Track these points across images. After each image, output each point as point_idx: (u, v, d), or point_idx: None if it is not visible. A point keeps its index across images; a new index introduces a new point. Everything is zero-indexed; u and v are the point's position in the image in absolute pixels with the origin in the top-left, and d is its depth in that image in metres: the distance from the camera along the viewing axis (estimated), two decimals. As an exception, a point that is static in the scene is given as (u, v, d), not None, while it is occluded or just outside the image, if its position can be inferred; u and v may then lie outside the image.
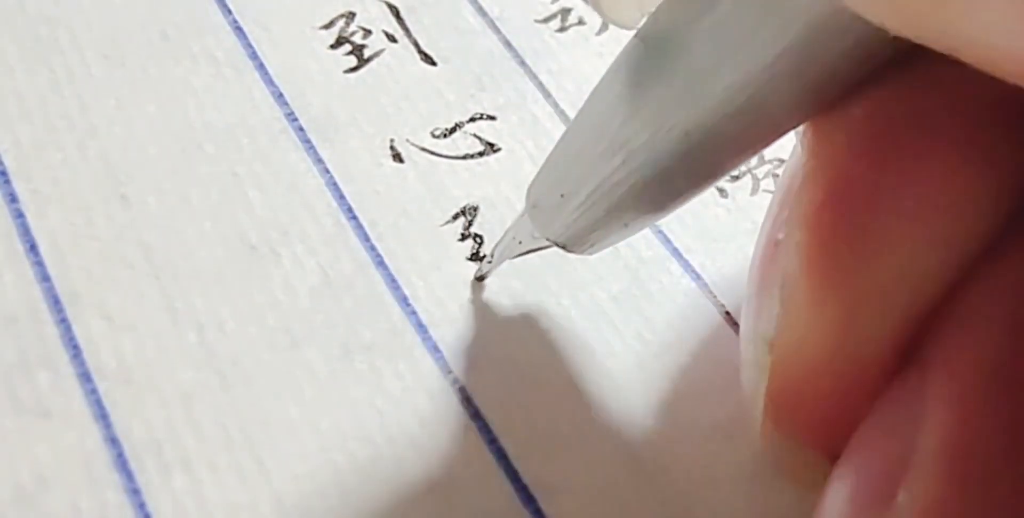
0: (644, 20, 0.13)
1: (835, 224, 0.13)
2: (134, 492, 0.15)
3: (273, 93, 0.19)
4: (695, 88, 0.13)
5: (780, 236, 0.13)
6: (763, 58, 0.12)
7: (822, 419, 0.14)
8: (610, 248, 0.16)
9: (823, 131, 0.13)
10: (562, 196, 0.15)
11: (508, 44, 0.21)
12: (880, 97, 0.13)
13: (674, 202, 0.14)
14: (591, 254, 0.16)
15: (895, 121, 0.13)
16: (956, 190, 0.13)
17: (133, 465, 0.15)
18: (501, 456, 0.16)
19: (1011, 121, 0.13)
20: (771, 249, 0.14)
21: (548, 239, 0.16)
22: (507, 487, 0.16)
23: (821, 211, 0.13)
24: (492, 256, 0.17)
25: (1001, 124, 0.13)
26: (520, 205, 0.18)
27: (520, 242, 0.16)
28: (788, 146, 0.19)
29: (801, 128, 0.14)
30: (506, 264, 0.17)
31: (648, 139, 0.13)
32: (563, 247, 0.16)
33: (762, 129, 0.13)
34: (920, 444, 0.12)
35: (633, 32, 0.14)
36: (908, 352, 0.13)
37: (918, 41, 0.10)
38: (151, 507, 0.15)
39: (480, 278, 0.18)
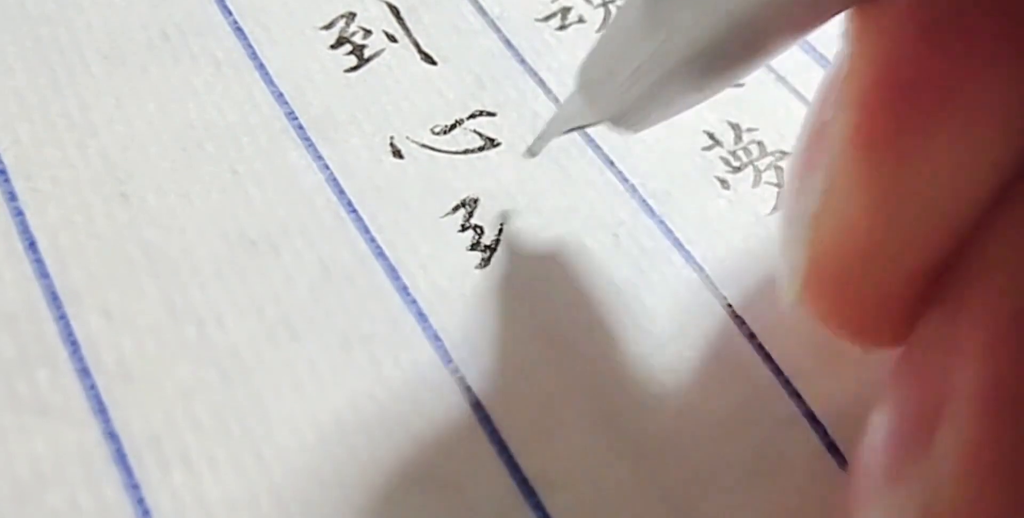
0: None
1: (886, 103, 0.13)
2: (133, 488, 0.15)
3: (273, 93, 0.19)
4: None
5: (827, 117, 0.14)
6: None
7: (857, 302, 0.14)
8: (612, 237, 0.16)
9: (870, 16, 0.13)
10: (609, 72, 0.15)
11: (508, 43, 0.20)
12: None
13: (715, 81, 0.15)
14: (636, 131, 0.16)
15: (943, 9, 0.13)
16: (1002, 82, 0.13)
17: (132, 461, 0.15)
18: (502, 448, 0.16)
19: None
20: (817, 131, 0.14)
21: (597, 114, 0.16)
22: (507, 479, 0.16)
23: (873, 90, 0.13)
24: (542, 132, 0.18)
25: None
26: (521, 197, 0.18)
27: (568, 119, 0.17)
28: (791, 138, 0.19)
29: (845, 18, 0.14)
30: (507, 256, 0.17)
31: (691, 16, 0.13)
32: (611, 123, 0.16)
33: (804, 10, 0.13)
34: (955, 386, 0.12)
35: None
36: (942, 277, 0.13)
37: None
38: (150, 502, 0.15)
39: (531, 153, 0.18)
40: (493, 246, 0.18)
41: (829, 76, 0.15)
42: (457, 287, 0.17)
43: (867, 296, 0.14)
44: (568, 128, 0.17)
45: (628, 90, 0.15)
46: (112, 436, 0.15)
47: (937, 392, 0.13)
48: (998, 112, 0.13)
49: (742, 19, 0.13)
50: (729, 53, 0.14)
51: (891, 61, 0.13)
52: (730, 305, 0.18)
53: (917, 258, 0.14)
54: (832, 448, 0.17)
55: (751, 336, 0.18)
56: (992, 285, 0.13)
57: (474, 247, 0.18)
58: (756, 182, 0.19)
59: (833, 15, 0.13)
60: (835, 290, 0.14)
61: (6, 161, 0.18)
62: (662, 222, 0.18)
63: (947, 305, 0.13)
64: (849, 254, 0.14)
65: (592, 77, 0.16)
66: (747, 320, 0.18)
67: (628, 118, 0.16)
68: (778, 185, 0.19)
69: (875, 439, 0.13)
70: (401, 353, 0.16)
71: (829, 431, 0.17)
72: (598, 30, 0.21)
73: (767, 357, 0.17)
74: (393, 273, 0.17)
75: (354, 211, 0.18)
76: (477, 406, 0.16)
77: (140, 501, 0.15)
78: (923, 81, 0.13)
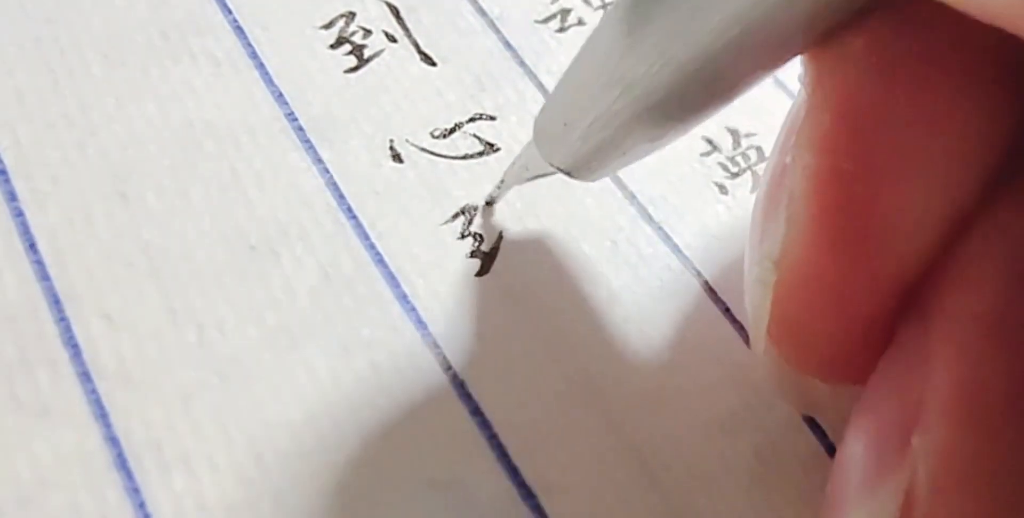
0: None
1: (843, 146, 0.13)
2: (134, 491, 0.15)
3: (273, 93, 0.19)
4: (690, 22, 0.13)
5: (788, 159, 0.14)
6: None
7: (822, 341, 0.14)
8: (610, 244, 0.16)
9: (825, 63, 0.13)
10: (565, 125, 0.15)
11: (508, 44, 0.21)
12: (881, 29, 0.13)
13: (670, 132, 0.15)
14: (593, 180, 0.16)
15: (897, 52, 0.13)
16: (959, 120, 0.13)
17: (132, 464, 0.15)
18: (501, 453, 0.16)
19: (1009, 58, 0.13)
20: (778, 173, 0.14)
21: (552, 165, 0.16)
22: (507, 483, 0.16)
23: (829, 133, 0.13)
24: (501, 182, 0.18)
25: (999, 61, 0.13)
26: (520, 204, 0.18)
27: (527, 168, 0.17)
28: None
29: (801, 61, 0.14)
30: (506, 263, 0.17)
31: (645, 71, 0.14)
32: (567, 173, 0.16)
33: (755, 61, 0.13)
34: (930, 391, 0.13)
35: None
36: (913, 294, 0.14)
37: None
38: (150, 506, 0.15)
39: (489, 203, 0.18)
40: (492, 254, 0.18)
41: (789, 118, 0.15)
42: (456, 294, 0.17)
43: (833, 337, 0.14)
44: (526, 178, 0.17)
45: (585, 142, 0.15)
46: (113, 440, 0.15)
47: (911, 402, 0.13)
48: (954, 149, 0.13)
49: (696, 69, 0.13)
50: (686, 102, 0.14)
51: (846, 104, 0.13)
52: (728, 310, 0.18)
53: (881, 295, 0.14)
54: (831, 450, 0.17)
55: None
56: (963, 297, 0.13)
57: (473, 254, 0.18)
58: (755, 187, 0.19)
59: (789, 58, 0.13)
60: (800, 334, 0.14)
61: (6, 161, 0.18)
62: (660, 228, 0.18)
63: (919, 318, 0.13)
64: (813, 299, 0.14)
65: (547, 129, 0.16)
66: (746, 327, 0.18)
67: (584, 169, 0.16)
68: (776, 191, 0.19)
69: (852, 448, 0.14)
70: (400, 359, 0.17)
71: (828, 434, 0.17)
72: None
73: (765, 361, 0.17)
74: (393, 280, 0.17)
75: (354, 217, 0.18)
76: (476, 411, 0.16)
77: (141, 505, 0.15)
78: (877, 124, 0.13)
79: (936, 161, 0.13)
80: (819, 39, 0.13)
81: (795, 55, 0.13)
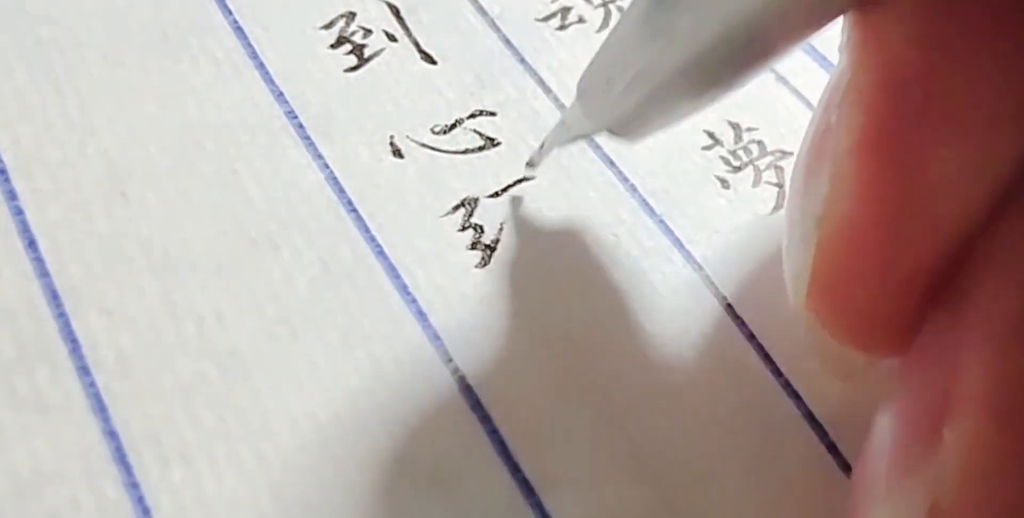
0: None
1: (888, 106, 0.13)
2: (133, 486, 0.15)
3: (273, 92, 0.19)
4: None
5: (832, 118, 0.14)
6: None
7: (863, 304, 0.14)
8: (612, 237, 0.16)
9: (872, 20, 0.13)
10: (608, 81, 0.15)
11: (508, 43, 0.21)
12: None
13: (713, 88, 0.14)
14: (635, 140, 0.16)
15: (945, 13, 0.13)
16: (1007, 85, 0.13)
17: (132, 459, 0.15)
18: (501, 447, 0.16)
19: None
20: (821, 135, 0.14)
21: (595, 124, 0.16)
22: (507, 478, 0.16)
23: (875, 94, 0.13)
24: (543, 143, 0.18)
25: None
26: (522, 196, 0.18)
27: (569, 129, 0.17)
28: (791, 138, 0.19)
29: (845, 21, 0.14)
30: (507, 256, 0.17)
31: (689, 23, 0.13)
32: (610, 131, 0.16)
33: (802, 15, 0.13)
34: (962, 384, 0.12)
35: None
36: (946, 277, 0.13)
37: None
38: (150, 501, 0.15)
39: (530, 164, 0.18)
40: (493, 245, 0.18)
41: (833, 79, 0.15)
42: (457, 286, 0.17)
43: (871, 302, 0.14)
44: (568, 138, 0.17)
45: (627, 98, 0.15)
46: (112, 434, 0.15)
47: (942, 395, 0.13)
48: (1002, 114, 0.13)
49: (740, 24, 0.13)
50: (727, 59, 0.14)
51: (893, 64, 0.13)
52: (730, 305, 0.18)
53: (921, 262, 0.14)
54: (831, 448, 0.17)
55: (751, 336, 0.18)
56: (997, 288, 0.13)
57: (474, 246, 0.18)
58: (756, 181, 0.19)
59: (833, 18, 0.13)
60: (839, 295, 0.14)
61: (6, 160, 0.18)
62: (662, 221, 0.18)
63: (952, 309, 0.13)
64: (854, 258, 0.14)
65: (590, 86, 0.16)
66: (747, 320, 0.18)
67: (627, 127, 0.16)
68: (778, 185, 0.19)
69: (880, 441, 0.14)
70: (401, 352, 0.16)
71: (828, 431, 0.17)
72: (598, 30, 0.21)
73: (767, 357, 0.17)
74: (393, 272, 0.17)
75: (354, 210, 0.18)
76: (477, 405, 0.16)
77: (140, 499, 0.15)
78: (926, 84, 0.13)
79: (982, 124, 0.13)
80: None
81: (840, 12, 0.13)
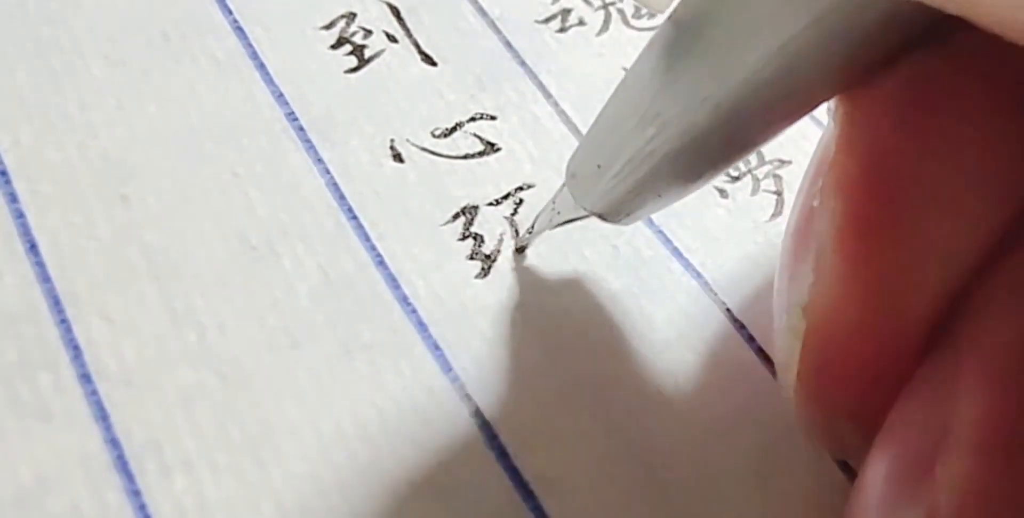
0: (674, 4, 0.14)
1: (870, 193, 0.13)
2: (134, 493, 0.15)
3: (273, 93, 0.19)
4: (725, 62, 0.13)
5: (815, 204, 0.14)
6: (790, 31, 0.12)
7: (853, 387, 0.14)
8: (611, 248, 0.16)
9: (856, 103, 0.13)
10: (599, 166, 0.15)
11: (508, 45, 0.21)
12: (912, 71, 0.13)
13: (705, 173, 0.15)
14: (627, 224, 0.16)
15: (928, 95, 0.13)
16: (990, 163, 0.13)
17: (133, 466, 0.15)
18: (501, 453, 0.16)
19: None
20: (805, 218, 0.14)
21: (585, 208, 0.16)
22: (507, 484, 0.16)
23: (856, 180, 0.13)
24: (533, 226, 0.18)
25: None
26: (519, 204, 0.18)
27: (559, 212, 0.17)
28: (790, 146, 0.19)
29: (832, 103, 0.14)
30: (505, 266, 0.17)
31: (680, 110, 0.13)
32: (600, 216, 0.16)
33: (791, 102, 0.13)
34: (956, 421, 0.12)
35: (665, 15, 0.14)
36: (940, 327, 0.13)
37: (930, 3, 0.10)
38: (151, 508, 0.15)
39: (520, 249, 0.18)
40: (493, 256, 0.18)
41: (816, 158, 0.14)
42: (457, 296, 0.17)
43: (862, 383, 0.14)
44: (558, 222, 0.17)
45: (617, 184, 0.15)
46: (113, 441, 0.15)
47: (935, 432, 0.13)
48: (983, 192, 0.13)
49: (730, 109, 0.13)
50: (717, 146, 0.14)
51: (873, 150, 0.13)
52: (729, 310, 0.18)
53: (910, 339, 0.14)
54: (831, 450, 0.17)
55: (750, 340, 0.18)
56: (989, 329, 0.13)
57: (474, 256, 0.18)
58: (755, 190, 0.19)
59: (819, 103, 0.13)
60: (829, 381, 0.14)
61: (7, 163, 0.18)
62: (660, 231, 0.18)
63: (944, 349, 0.13)
64: (841, 347, 0.14)
65: (580, 171, 0.16)
66: (746, 325, 0.18)
67: (617, 212, 0.16)
68: (777, 193, 0.19)
69: (872, 477, 0.14)
70: (401, 361, 0.17)
71: (827, 434, 0.17)
72: (598, 33, 0.21)
73: (766, 361, 0.17)
74: (393, 282, 0.17)
75: (355, 217, 0.18)
76: (477, 413, 0.16)
77: (141, 507, 0.15)
78: (908, 171, 0.13)
79: (965, 204, 0.13)
80: (852, 80, 0.13)
81: (829, 97, 0.13)
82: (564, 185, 0.16)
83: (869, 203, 0.13)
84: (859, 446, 0.14)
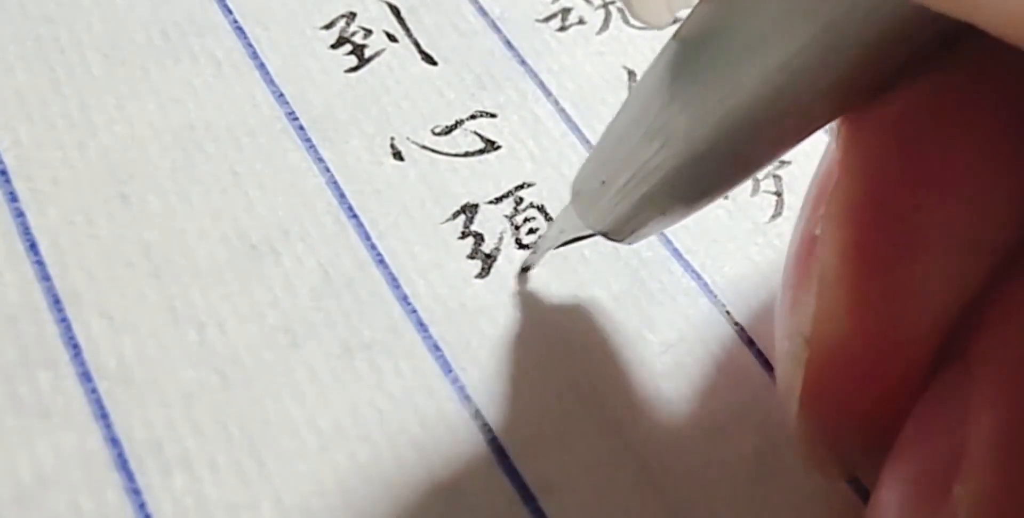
0: (680, 22, 0.14)
1: (873, 221, 0.13)
2: (134, 492, 0.15)
3: (274, 93, 0.19)
4: (729, 78, 0.13)
5: (817, 231, 0.14)
6: (794, 47, 0.12)
7: (857, 414, 0.14)
8: (611, 249, 0.16)
9: (859, 127, 0.13)
10: (603, 183, 0.15)
11: (509, 44, 0.21)
12: (915, 94, 0.13)
13: (709, 191, 0.15)
14: (631, 243, 0.16)
15: (932, 119, 0.13)
16: (996, 187, 0.13)
17: (133, 465, 0.15)
18: (501, 455, 0.16)
19: None
20: (806, 245, 0.14)
21: (590, 227, 0.16)
22: (507, 485, 0.16)
23: (859, 208, 0.13)
24: (537, 246, 0.18)
25: None
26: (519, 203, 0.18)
27: (563, 231, 0.17)
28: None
29: (834, 125, 0.14)
30: (507, 264, 0.17)
31: (685, 125, 0.13)
32: (605, 235, 0.16)
33: (795, 119, 0.13)
34: (971, 439, 0.12)
35: (662, 30, 0.14)
36: (947, 348, 0.13)
37: (936, 8, 0.10)
38: (151, 507, 0.15)
39: (525, 269, 0.18)
40: (493, 255, 0.18)
41: (817, 182, 0.14)
42: (457, 296, 0.17)
43: (866, 409, 0.14)
44: (563, 241, 0.17)
45: (622, 200, 0.15)
46: (113, 440, 0.15)
47: (951, 450, 0.13)
48: (989, 215, 0.13)
49: (734, 125, 0.13)
50: (722, 161, 0.14)
51: (875, 177, 0.13)
52: (728, 312, 0.18)
53: (915, 365, 0.14)
54: (830, 451, 0.17)
55: (750, 342, 0.18)
56: (1002, 346, 0.13)
57: (474, 255, 0.18)
58: (755, 191, 0.19)
59: (823, 124, 0.13)
60: (832, 407, 0.14)
61: (7, 162, 0.18)
62: (661, 233, 0.18)
63: (956, 367, 0.13)
64: (844, 376, 0.14)
65: (585, 189, 0.16)
66: (746, 327, 0.18)
67: (622, 230, 0.16)
68: (776, 193, 0.19)
69: (888, 496, 0.13)
70: (401, 361, 0.17)
71: (826, 436, 0.17)
72: (598, 32, 0.21)
73: (765, 363, 0.17)
74: (393, 281, 0.17)
75: (355, 216, 0.18)
76: (477, 414, 0.16)
77: (141, 506, 0.15)
78: (907, 196, 0.13)
79: (974, 229, 0.13)
80: (857, 99, 0.13)
81: (834, 117, 0.13)
82: (568, 204, 0.16)
83: (873, 231, 0.13)
84: (862, 468, 0.14)
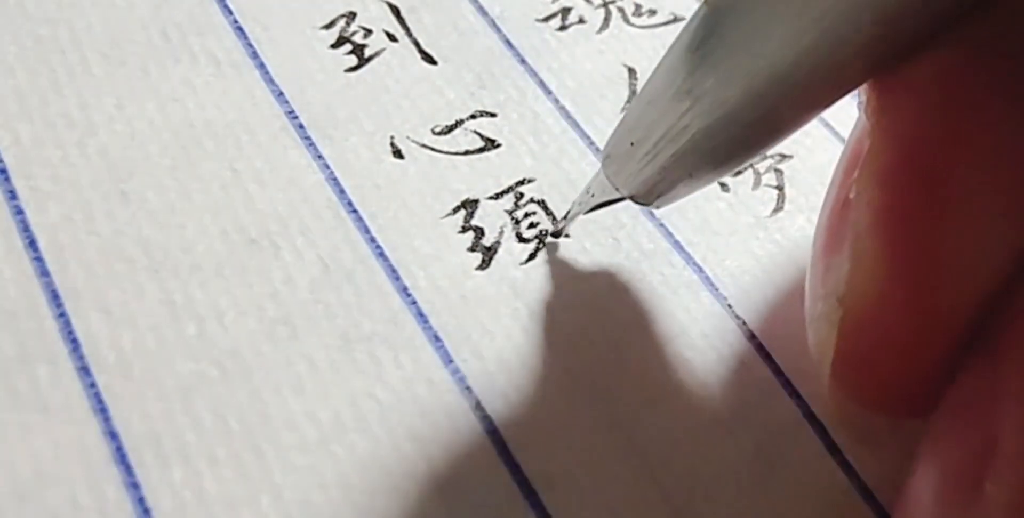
0: None
1: (907, 182, 0.13)
2: (133, 486, 0.15)
3: (274, 92, 0.19)
4: (759, 38, 0.13)
5: (851, 194, 0.14)
6: (825, 5, 0.12)
7: (888, 378, 0.14)
8: (612, 241, 0.16)
9: (892, 90, 0.13)
10: (632, 144, 0.15)
11: (508, 43, 0.21)
12: (947, 58, 0.13)
13: (736, 154, 0.15)
14: (659, 207, 0.16)
15: (965, 82, 0.13)
16: None
17: (132, 459, 0.15)
18: (502, 447, 0.16)
19: None
20: (839, 209, 0.14)
21: (619, 189, 0.16)
22: (507, 478, 0.16)
23: (894, 168, 0.13)
24: (569, 211, 0.18)
25: None
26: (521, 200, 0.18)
27: (593, 195, 0.17)
28: (789, 141, 0.19)
29: (862, 97, 0.14)
30: (508, 256, 0.17)
31: (713, 86, 0.14)
32: (633, 199, 0.16)
33: (824, 82, 0.13)
34: (1002, 435, 0.12)
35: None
36: (975, 339, 0.13)
37: None
38: (150, 501, 0.15)
39: (556, 234, 0.18)
40: (493, 248, 0.18)
41: (847, 153, 0.14)
42: (457, 288, 0.17)
43: (898, 374, 0.14)
44: (593, 205, 0.17)
45: (650, 162, 0.15)
46: (112, 434, 0.15)
47: (982, 446, 0.12)
48: (1022, 181, 0.13)
49: (762, 85, 0.13)
50: (751, 122, 0.14)
51: (910, 137, 0.13)
52: (730, 306, 0.18)
53: (948, 332, 0.13)
54: (832, 448, 0.17)
55: (751, 336, 0.18)
56: None
57: (474, 248, 0.18)
58: (756, 184, 0.19)
59: (851, 89, 0.13)
60: (865, 370, 0.14)
61: (6, 160, 0.18)
62: (662, 225, 0.18)
63: (986, 360, 0.13)
64: (878, 336, 0.14)
65: (615, 151, 0.16)
66: (747, 320, 0.18)
67: (651, 193, 0.16)
68: (778, 187, 0.19)
69: (918, 493, 0.13)
70: (401, 353, 0.16)
71: (829, 431, 0.17)
72: (598, 31, 0.21)
73: (767, 357, 0.17)
74: (393, 273, 0.17)
75: (354, 211, 0.18)
76: (477, 406, 0.16)
77: (140, 500, 0.15)
78: (943, 157, 0.13)
79: (1004, 193, 0.13)
80: (886, 61, 0.13)
81: (863, 80, 0.13)
82: (599, 170, 0.16)
83: (907, 190, 0.13)
84: (887, 437, 0.14)
